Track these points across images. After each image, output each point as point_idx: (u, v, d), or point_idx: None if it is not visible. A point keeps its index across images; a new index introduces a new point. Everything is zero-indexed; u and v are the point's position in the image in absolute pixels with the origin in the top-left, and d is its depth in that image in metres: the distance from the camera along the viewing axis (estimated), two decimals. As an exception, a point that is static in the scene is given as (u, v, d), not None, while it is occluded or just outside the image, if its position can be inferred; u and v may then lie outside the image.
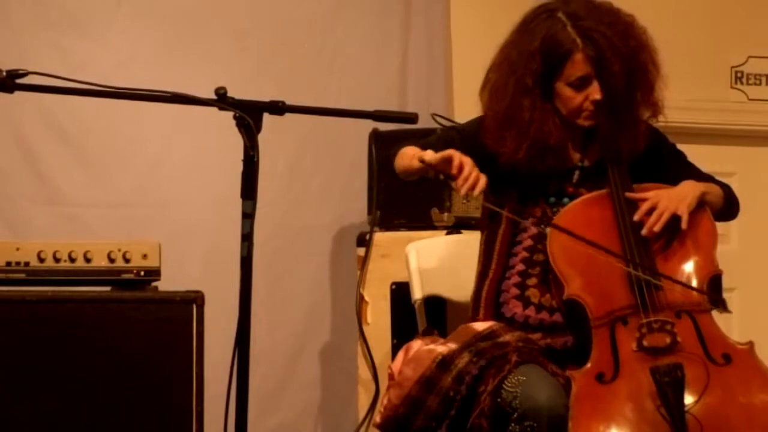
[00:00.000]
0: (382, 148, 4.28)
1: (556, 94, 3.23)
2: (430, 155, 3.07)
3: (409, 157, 3.18)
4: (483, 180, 3.03)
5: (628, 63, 3.18)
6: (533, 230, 3.25)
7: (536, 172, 3.23)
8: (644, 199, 3.18)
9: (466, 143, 3.27)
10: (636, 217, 3.16)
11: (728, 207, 3.35)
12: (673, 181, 3.26)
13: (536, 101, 3.21)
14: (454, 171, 3.02)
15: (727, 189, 3.36)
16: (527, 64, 3.19)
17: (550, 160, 3.23)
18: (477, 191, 3.03)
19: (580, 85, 3.19)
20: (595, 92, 3.19)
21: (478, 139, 3.27)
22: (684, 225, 3.13)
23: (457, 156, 3.03)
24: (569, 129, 3.27)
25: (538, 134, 3.20)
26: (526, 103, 3.20)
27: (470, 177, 3.01)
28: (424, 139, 3.36)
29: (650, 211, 3.16)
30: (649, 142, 3.31)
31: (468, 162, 3.03)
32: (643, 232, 3.14)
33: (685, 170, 3.36)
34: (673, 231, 3.16)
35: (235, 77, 3.82)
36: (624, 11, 3.25)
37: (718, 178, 3.41)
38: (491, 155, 3.23)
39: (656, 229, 3.14)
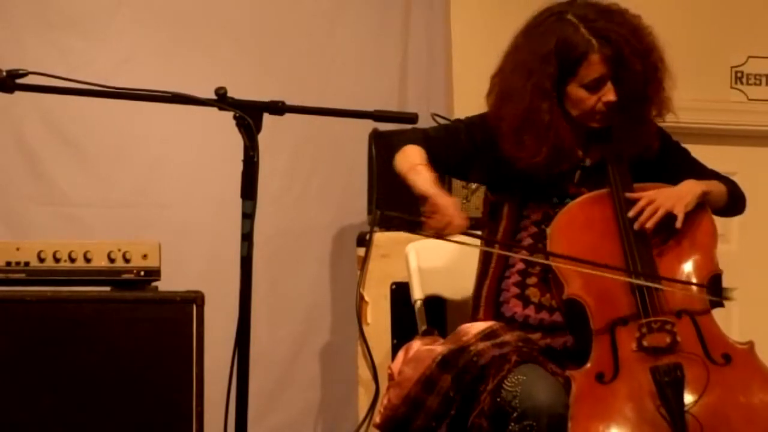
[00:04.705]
0: (382, 148, 4.28)
1: (567, 97, 3.21)
2: (420, 184, 3.08)
3: (408, 163, 3.17)
4: (457, 226, 3.03)
5: (644, 62, 3.17)
6: (533, 229, 3.25)
7: (552, 174, 3.22)
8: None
9: (472, 137, 3.28)
10: (631, 214, 3.15)
11: (733, 203, 3.35)
12: (677, 179, 3.26)
13: (553, 105, 3.20)
14: (426, 212, 3.04)
15: (731, 185, 3.36)
16: (543, 68, 3.17)
17: (564, 162, 3.23)
18: (448, 233, 3.04)
19: (595, 86, 3.17)
20: (609, 93, 3.17)
21: (481, 134, 3.27)
22: (678, 224, 3.13)
23: (435, 199, 3.03)
24: (575, 130, 3.27)
25: (556, 138, 3.19)
26: (545, 106, 3.18)
27: (439, 227, 3.03)
28: (430, 128, 3.35)
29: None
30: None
31: (445, 208, 3.03)
32: (636, 226, 3.14)
33: (689, 168, 3.36)
34: (673, 230, 3.16)
35: (235, 77, 3.81)
36: (630, 12, 3.24)
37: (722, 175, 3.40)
38: (502, 158, 3.23)
39: (648, 225, 3.14)
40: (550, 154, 3.19)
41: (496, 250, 3.26)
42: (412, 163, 3.16)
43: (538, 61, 3.18)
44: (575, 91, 3.20)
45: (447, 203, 3.04)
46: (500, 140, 3.23)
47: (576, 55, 3.15)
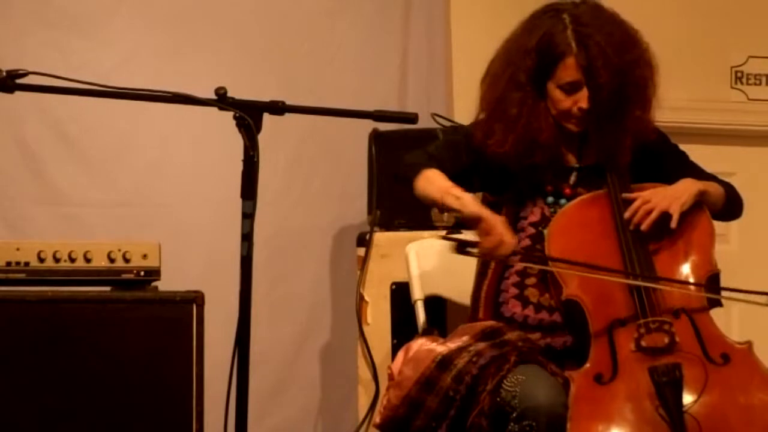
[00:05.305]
0: (382, 148, 4.28)
1: (547, 94, 3.23)
2: (470, 206, 3.06)
3: (436, 187, 3.15)
4: (509, 245, 3.04)
5: (618, 76, 3.16)
6: (531, 230, 3.25)
7: (524, 167, 3.23)
8: (640, 198, 3.19)
9: (471, 147, 3.28)
10: (627, 215, 3.16)
11: (730, 206, 3.35)
12: (675, 181, 3.26)
13: (527, 97, 3.21)
14: (481, 234, 3.03)
15: (729, 188, 3.36)
16: (523, 60, 3.21)
17: (538, 156, 3.23)
18: (500, 254, 3.04)
19: (570, 89, 3.19)
20: (582, 100, 3.19)
21: (477, 141, 3.28)
22: (673, 224, 3.13)
23: (488, 219, 3.03)
24: (563, 129, 3.27)
25: (526, 130, 3.20)
26: (516, 97, 3.21)
27: (495, 243, 3.02)
28: (430, 147, 3.34)
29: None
30: (649, 142, 3.31)
31: (498, 229, 3.03)
32: (631, 226, 3.14)
33: (687, 170, 3.35)
34: (671, 230, 3.16)
35: (235, 77, 3.82)
36: (630, 25, 3.24)
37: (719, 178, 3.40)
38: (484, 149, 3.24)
39: (644, 226, 3.14)
40: (518, 145, 3.20)
41: (549, 268, 3.21)
42: (445, 186, 3.14)
43: (519, 54, 3.22)
44: (553, 90, 3.22)
45: (499, 223, 3.04)
46: (474, 126, 3.25)
47: (554, 55, 3.17)
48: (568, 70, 3.17)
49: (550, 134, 3.23)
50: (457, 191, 3.12)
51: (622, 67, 3.17)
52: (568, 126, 3.25)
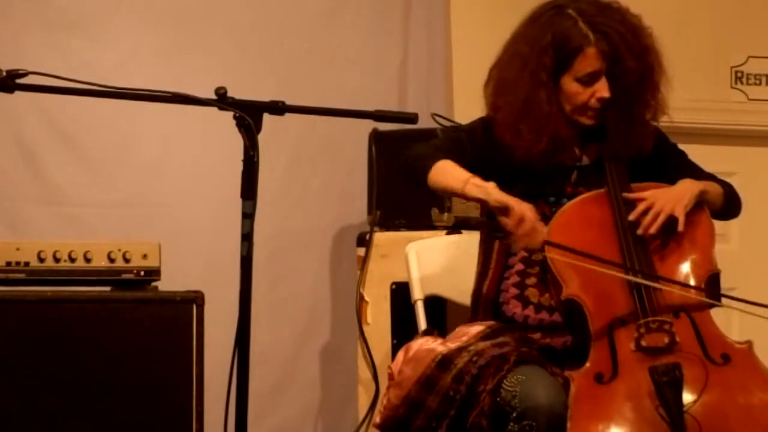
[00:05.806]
0: (382, 148, 4.28)
1: (561, 90, 3.22)
2: (496, 195, 3.03)
3: (454, 177, 3.12)
4: (541, 234, 3.02)
5: (639, 61, 3.18)
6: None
7: (549, 166, 3.22)
8: (641, 199, 3.18)
9: (475, 144, 3.28)
10: (632, 217, 3.15)
11: (729, 205, 3.35)
12: (674, 180, 3.26)
13: (551, 95, 3.20)
14: (512, 224, 3.00)
15: (728, 187, 3.36)
16: (540, 58, 3.18)
17: (561, 154, 3.24)
18: (534, 243, 3.03)
19: (589, 81, 3.18)
20: (602, 89, 3.18)
21: (481, 137, 3.27)
22: (680, 228, 3.13)
23: (517, 207, 3.00)
24: (575, 125, 3.27)
25: (554, 128, 3.20)
26: (543, 96, 3.19)
27: (529, 231, 3.00)
28: (433, 140, 3.34)
29: (646, 212, 3.16)
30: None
31: (529, 215, 3.01)
32: (639, 231, 3.14)
33: (686, 169, 3.36)
34: (671, 231, 3.16)
35: (235, 77, 3.81)
36: (631, 11, 3.25)
37: (718, 177, 3.41)
38: (501, 153, 3.23)
39: (652, 230, 3.13)
40: (549, 143, 3.19)
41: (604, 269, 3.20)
42: (464, 176, 3.11)
43: (535, 52, 3.19)
44: (569, 84, 3.20)
45: (528, 211, 3.02)
46: (498, 130, 3.23)
47: (572, 48, 3.16)
48: (589, 60, 3.16)
49: (568, 131, 3.23)
50: (478, 180, 3.09)
51: (640, 51, 3.17)
52: (582, 120, 3.24)
